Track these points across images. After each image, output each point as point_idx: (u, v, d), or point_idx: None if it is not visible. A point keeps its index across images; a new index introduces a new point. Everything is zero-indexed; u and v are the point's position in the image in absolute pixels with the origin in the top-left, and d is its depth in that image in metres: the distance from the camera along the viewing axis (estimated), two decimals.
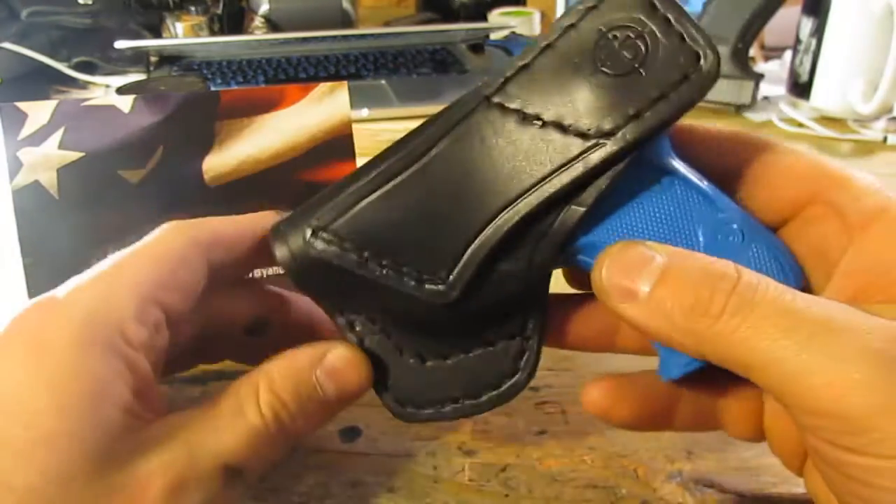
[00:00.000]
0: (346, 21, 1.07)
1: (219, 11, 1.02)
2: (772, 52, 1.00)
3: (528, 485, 0.30)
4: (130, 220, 0.38)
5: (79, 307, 0.23)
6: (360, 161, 0.41)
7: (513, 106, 0.25)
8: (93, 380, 0.22)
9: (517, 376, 0.27)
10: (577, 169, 0.24)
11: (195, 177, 0.39)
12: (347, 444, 0.32)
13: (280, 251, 0.27)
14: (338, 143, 0.41)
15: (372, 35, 1.00)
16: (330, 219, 0.26)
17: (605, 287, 0.23)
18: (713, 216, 0.25)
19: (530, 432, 0.32)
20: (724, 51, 0.78)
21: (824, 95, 0.76)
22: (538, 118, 0.25)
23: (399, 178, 0.25)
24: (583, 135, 0.24)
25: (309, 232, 0.26)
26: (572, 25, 0.25)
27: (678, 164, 0.26)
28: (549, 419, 0.33)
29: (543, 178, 0.24)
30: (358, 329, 0.28)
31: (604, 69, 0.24)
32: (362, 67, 0.90)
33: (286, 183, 0.40)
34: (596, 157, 0.24)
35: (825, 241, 0.25)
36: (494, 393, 0.28)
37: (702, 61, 0.23)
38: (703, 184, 0.26)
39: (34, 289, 0.37)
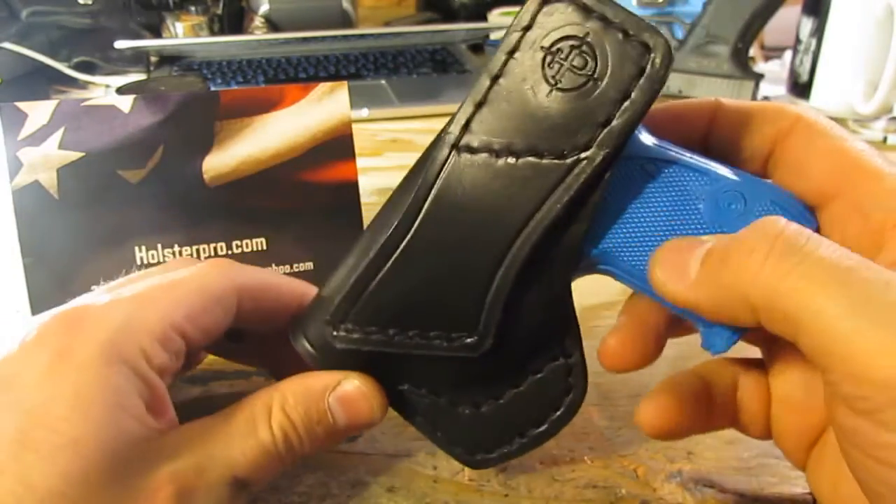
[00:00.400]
0: (346, 21, 1.07)
1: (219, 11, 1.02)
2: (772, 52, 1.00)
3: (528, 485, 0.30)
4: (130, 220, 0.38)
5: (107, 323, 0.24)
6: (360, 161, 0.41)
7: (481, 146, 0.24)
8: (114, 392, 0.23)
9: (572, 393, 0.28)
10: (566, 192, 0.24)
11: (195, 177, 0.39)
12: (347, 444, 0.32)
13: (303, 349, 0.27)
14: (338, 143, 0.41)
15: (372, 35, 1.00)
16: (344, 311, 0.26)
17: (661, 280, 0.24)
18: (710, 188, 0.25)
19: None
20: (724, 51, 0.78)
21: (824, 95, 0.76)
22: (510, 151, 0.24)
23: (398, 252, 0.25)
24: (560, 155, 0.24)
25: (328, 327, 0.26)
26: (513, 51, 0.24)
27: (660, 146, 0.26)
28: None
29: (537, 208, 0.24)
30: (406, 398, 0.28)
31: (559, 87, 0.24)
32: (362, 67, 0.90)
33: (286, 183, 0.40)
34: (581, 175, 0.24)
35: (847, 242, 0.24)
36: (556, 415, 0.28)
37: (652, 52, 0.23)
38: (690, 158, 0.26)
39: (34, 289, 0.37)
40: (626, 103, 0.23)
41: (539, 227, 0.24)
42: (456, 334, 0.26)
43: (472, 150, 0.24)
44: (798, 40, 0.79)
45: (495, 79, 0.24)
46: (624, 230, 0.26)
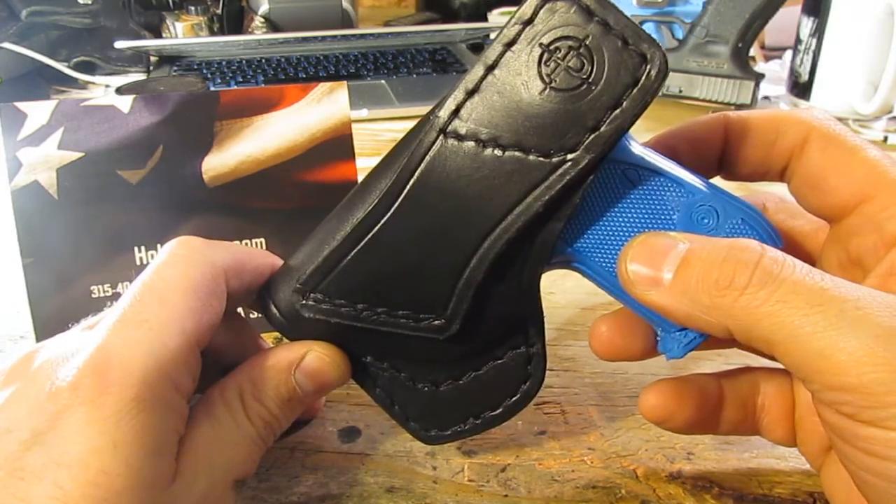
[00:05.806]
0: (346, 21, 1.07)
1: (219, 11, 1.02)
2: (772, 52, 1.00)
3: (527, 485, 0.30)
4: (130, 220, 0.38)
5: (135, 363, 0.23)
6: (360, 161, 0.41)
7: (469, 134, 0.24)
8: (154, 437, 0.23)
9: (529, 381, 0.28)
10: (548, 191, 0.24)
11: (194, 177, 0.39)
12: (347, 444, 0.32)
13: (271, 314, 0.28)
14: (337, 143, 0.41)
15: (372, 35, 1.00)
16: (315, 281, 0.26)
17: (631, 278, 0.24)
18: (685, 200, 0.26)
19: (530, 432, 0.32)
20: (724, 51, 0.78)
21: (824, 95, 0.76)
22: (497, 143, 0.24)
23: (375, 230, 0.26)
24: (546, 154, 0.24)
25: (297, 295, 0.27)
26: (511, 43, 0.24)
27: (642, 154, 0.26)
28: (548, 419, 0.33)
29: (517, 202, 0.24)
30: (368, 370, 0.29)
31: (553, 86, 0.24)
32: (362, 67, 0.90)
33: (286, 183, 0.40)
34: (565, 175, 0.24)
35: (862, 255, 0.25)
36: (511, 400, 0.29)
37: (648, 63, 0.23)
38: (671, 169, 0.26)
39: (34, 289, 0.37)
40: (617, 111, 0.23)
41: (517, 222, 0.24)
42: (424, 316, 0.26)
43: (459, 137, 0.24)
44: (798, 40, 0.79)
45: (490, 69, 0.24)
46: (598, 232, 0.26)
